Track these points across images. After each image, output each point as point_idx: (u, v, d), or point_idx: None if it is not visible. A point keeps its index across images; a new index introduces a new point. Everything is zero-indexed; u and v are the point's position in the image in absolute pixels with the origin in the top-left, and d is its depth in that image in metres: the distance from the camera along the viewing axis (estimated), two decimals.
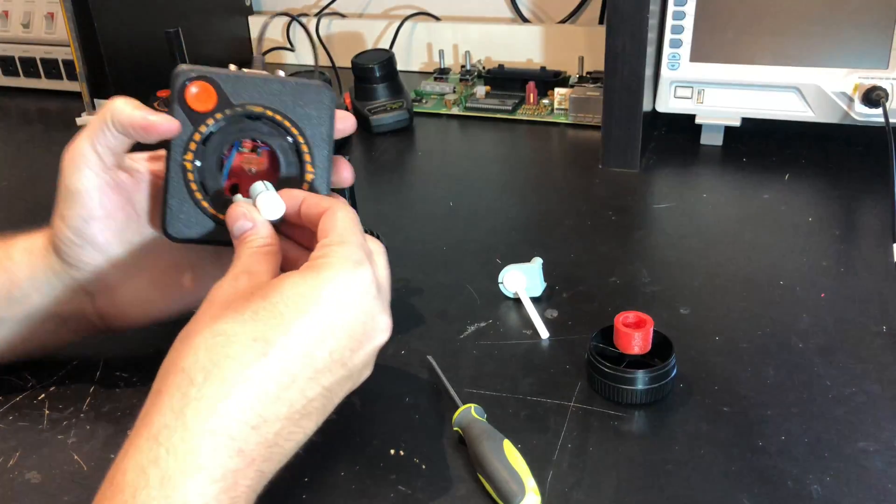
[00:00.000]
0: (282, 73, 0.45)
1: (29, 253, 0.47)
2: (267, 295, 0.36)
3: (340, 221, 0.39)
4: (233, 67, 0.45)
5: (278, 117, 0.44)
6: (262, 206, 0.42)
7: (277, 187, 0.43)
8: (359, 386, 0.39)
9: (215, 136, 0.44)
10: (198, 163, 0.44)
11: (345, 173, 0.47)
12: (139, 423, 0.33)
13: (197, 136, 0.43)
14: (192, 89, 0.43)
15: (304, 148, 0.44)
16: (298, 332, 0.35)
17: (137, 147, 0.46)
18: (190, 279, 0.50)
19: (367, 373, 0.40)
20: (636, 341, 0.45)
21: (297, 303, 0.35)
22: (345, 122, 0.46)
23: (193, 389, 0.33)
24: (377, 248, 0.42)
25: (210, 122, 0.43)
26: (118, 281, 0.48)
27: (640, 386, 0.45)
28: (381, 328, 0.39)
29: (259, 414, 0.33)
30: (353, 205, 0.46)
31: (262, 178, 0.45)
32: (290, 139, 0.44)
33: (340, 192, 0.49)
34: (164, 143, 0.44)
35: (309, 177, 0.45)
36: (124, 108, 0.43)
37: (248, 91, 0.43)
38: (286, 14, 1.19)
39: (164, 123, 0.42)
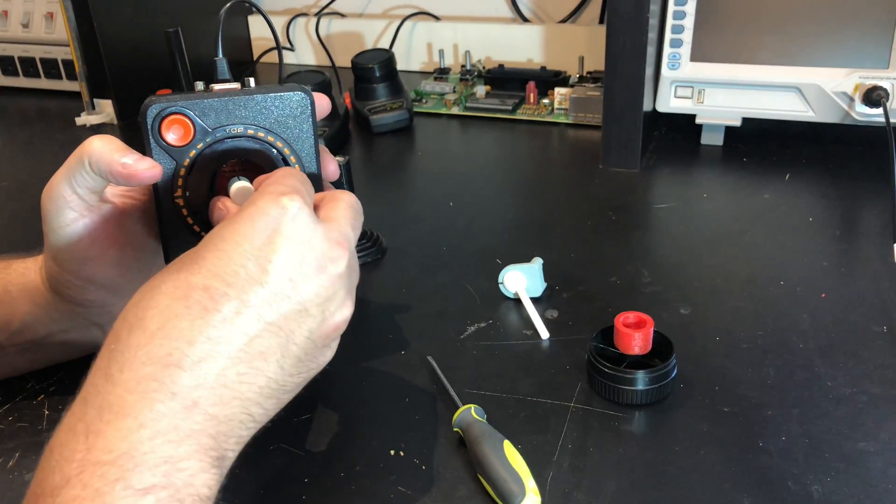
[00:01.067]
0: (252, 82, 0.43)
1: (25, 290, 0.46)
2: (204, 245, 0.35)
3: (277, 174, 0.38)
4: (199, 86, 0.43)
5: (260, 134, 0.43)
6: (234, 193, 0.42)
7: None
8: (331, 332, 0.37)
9: (199, 164, 0.42)
10: (187, 194, 0.43)
11: (331, 166, 0.45)
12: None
13: (182, 171, 0.42)
14: (167, 125, 0.41)
15: (288, 151, 0.44)
16: (214, 265, 0.33)
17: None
18: None
19: (333, 309, 0.36)
20: (636, 342, 0.45)
21: (214, 241, 0.34)
22: (321, 102, 0.45)
23: (119, 345, 0.32)
24: (340, 195, 0.40)
25: (192, 153, 0.42)
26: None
27: (640, 386, 0.45)
28: (331, 256, 0.36)
29: (187, 354, 0.32)
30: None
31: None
32: (274, 151, 0.43)
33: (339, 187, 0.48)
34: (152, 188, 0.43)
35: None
36: (103, 153, 0.40)
37: (222, 114, 0.42)
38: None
39: (147, 170, 0.40)
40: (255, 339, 0.33)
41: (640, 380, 0.45)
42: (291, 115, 0.43)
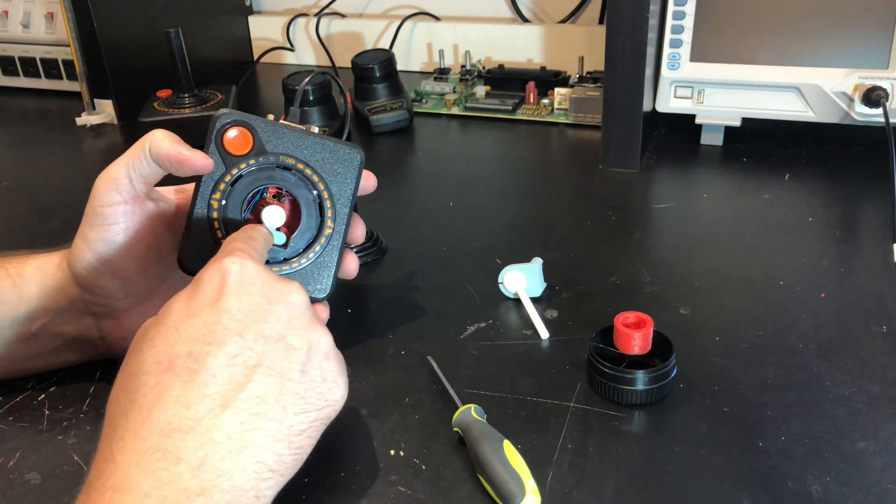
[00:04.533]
0: (315, 130, 0.46)
1: (40, 271, 0.47)
2: (160, 316, 0.36)
3: (229, 239, 0.41)
4: (270, 117, 0.46)
5: (308, 171, 0.46)
6: (265, 214, 0.45)
7: (295, 235, 0.46)
8: (322, 350, 0.38)
9: (244, 179, 0.45)
10: (224, 202, 0.45)
11: (358, 231, 0.49)
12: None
13: (227, 178, 0.45)
14: (231, 132, 0.44)
15: (328, 203, 0.46)
16: (188, 331, 0.35)
17: (165, 181, 0.47)
18: None
19: (316, 338, 0.38)
20: (636, 342, 0.45)
21: (176, 313, 0.36)
22: (368, 181, 0.48)
23: (118, 430, 0.33)
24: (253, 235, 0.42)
25: (243, 165, 0.45)
26: (126, 307, 0.48)
27: (640, 386, 0.45)
28: (284, 290, 0.38)
29: (186, 417, 0.33)
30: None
31: (281, 227, 0.46)
32: (315, 192, 0.46)
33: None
34: (195, 179, 0.45)
35: (327, 230, 0.47)
36: (163, 141, 0.44)
37: (284, 142, 0.45)
38: None
39: (199, 160, 0.44)
40: (248, 385, 0.34)
41: (640, 380, 0.45)
42: (342, 167, 0.46)
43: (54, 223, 0.73)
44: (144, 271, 0.47)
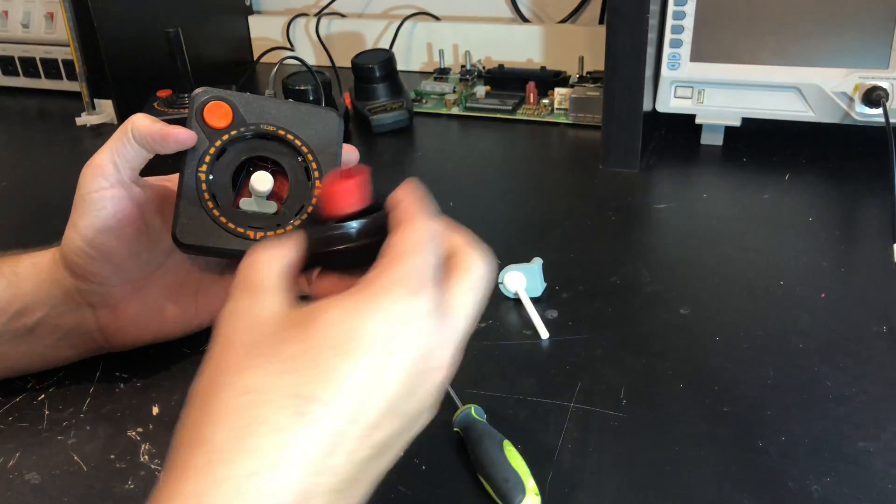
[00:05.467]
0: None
1: (34, 266, 0.48)
2: (303, 335, 0.29)
3: (410, 234, 0.32)
4: (247, 95, 0.47)
5: (290, 136, 0.46)
6: (254, 179, 0.45)
7: (286, 202, 0.46)
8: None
9: (229, 153, 0.46)
10: (211, 176, 0.46)
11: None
12: None
13: (212, 151, 0.45)
14: (210, 108, 0.45)
15: (314, 166, 0.46)
16: (343, 382, 0.28)
17: (151, 172, 0.48)
18: (194, 300, 0.50)
19: (425, 419, 0.33)
20: (345, 196, 0.35)
21: (339, 344, 0.29)
22: (349, 154, 0.49)
23: (221, 469, 0.27)
24: (472, 262, 0.34)
25: (225, 137, 0.45)
26: (122, 295, 0.48)
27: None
28: (436, 366, 0.31)
29: (300, 490, 0.27)
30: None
31: (271, 196, 0.47)
32: (299, 158, 0.46)
33: None
34: (180, 157, 0.46)
35: (317, 193, 0.46)
36: (144, 121, 0.45)
37: (262, 112, 0.46)
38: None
39: (181, 133, 0.45)
40: (359, 465, 0.30)
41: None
42: (322, 130, 0.46)
43: (54, 223, 0.73)
44: (137, 256, 0.48)
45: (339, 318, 0.29)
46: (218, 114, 0.45)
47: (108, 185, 0.46)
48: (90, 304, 0.48)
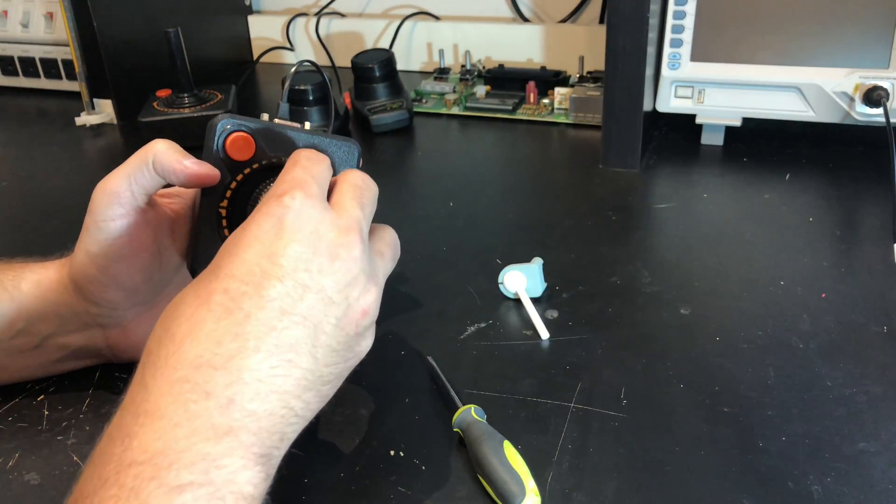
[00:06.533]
0: (308, 126, 0.46)
1: (38, 286, 0.46)
2: (212, 261, 0.36)
3: (285, 169, 0.39)
4: (265, 116, 0.46)
5: None
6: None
7: None
8: (363, 321, 0.38)
9: (249, 184, 0.45)
10: (231, 209, 0.45)
11: None
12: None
13: (233, 185, 0.45)
14: (232, 139, 0.44)
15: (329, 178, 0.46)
16: (229, 269, 0.35)
17: None
18: None
19: (356, 294, 0.37)
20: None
21: (228, 248, 0.36)
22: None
23: (151, 357, 0.33)
24: (342, 177, 0.41)
25: (247, 171, 0.45)
26: (134, 316, 0.48)
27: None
28: (341, 242, 0.37)
29: (217, 353, 0.32)
30: None
31: None
32: None
33: None
34: (200, 191, 0.46)
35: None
36: (167, 152, 0.43)
37: (283, 144, 0.45)
38: None
39: (208, 174, 0.44)
40: (282, 331, 0.34)
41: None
42: (343, 162, 0.46)
43: (54, 223, 0.73)
44: (150, 280, 0.47)
45: (234, 235, 0.36)
46: (241, 147, 0.44)
47: (123, 212, 0.44)
48: (100, 325, 0.47)
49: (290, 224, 0.36)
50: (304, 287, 0.35)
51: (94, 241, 0.44)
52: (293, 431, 0.35)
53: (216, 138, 0.44)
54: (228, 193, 0.45)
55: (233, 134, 0.44)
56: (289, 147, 0.45)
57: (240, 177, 0.45)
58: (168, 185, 0.45)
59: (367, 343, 0.39)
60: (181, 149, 0.44)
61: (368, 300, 0.38)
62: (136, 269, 0.46)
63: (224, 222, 0.45)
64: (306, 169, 0.39)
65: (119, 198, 0.44)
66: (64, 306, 0.46)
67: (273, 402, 0.33)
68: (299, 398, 0.34)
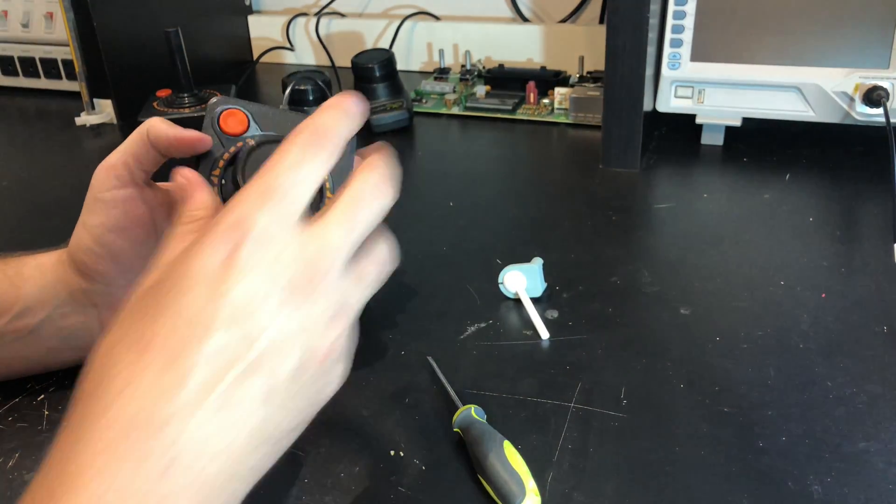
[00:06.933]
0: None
1: (39, 267, 0.48)
2: (154, 283, 0.32)
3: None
4: (263, 106, 0.48)
5: None
6: None
7: None
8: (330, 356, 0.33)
9: (241, 159, 0.46)
10: (223, 181, 0.46)
11: None
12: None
13: (226, 156, 0.46)
14: (226, 116, 0.46)
15: (326, 176, 0.46)
16: (174, 308, 0.30)
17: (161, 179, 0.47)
18: None
19: (316, 338, 0.32)
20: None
21: (173, 278, 0.31)
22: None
23: (85, 404, 0.30)
24: (352, 182, 0.35)
25: (240, 144, 0.46)
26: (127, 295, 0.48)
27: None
28: (306, 277, 0.31)
29: (154, 411, 0.29)
30: None
31: None
32: None
33: None
34: (195, 162, 0.46)
35: (327, 202, 0.46)
36: (160, 124, 0.45)
37: (277, 122, 0.46)
38: None
39: (199, 139, 0.44)
40: (230, 385, 0.30)
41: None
42: None
43: (54, 223, 0.73)
44: (143, 258, 0.47)
45: (179, 264, 0.32)
46: (234, 121, 0.46)
47: (120, 184, 0.46)
48: (94, 305, 0.48)
49: (244, 258, 0.30)
50: (254, 335, 0.30)
51: (91, 213, 0.46)
52: (247, 485, 0.31)
53: (211, 115, 0.46)
54: (220, 163, 0.46)
55: (227, 111, 0.46)
56: (283, 126, 0.46)
57: (232, 148, 0.46)
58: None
59: (334, 383, 0.34)
60: (176, 125, 0.45)
61: (332, 338, 0.32)
62: (130, 241, 0.46)
63: (217, 190, 0.46)
64: (293, 166, 0.34)
65: (117, 171, 0.46)
66: (60, 284, 0.47)
67: (222, 462, 0.30)
68: (252, 454, 0.31)
